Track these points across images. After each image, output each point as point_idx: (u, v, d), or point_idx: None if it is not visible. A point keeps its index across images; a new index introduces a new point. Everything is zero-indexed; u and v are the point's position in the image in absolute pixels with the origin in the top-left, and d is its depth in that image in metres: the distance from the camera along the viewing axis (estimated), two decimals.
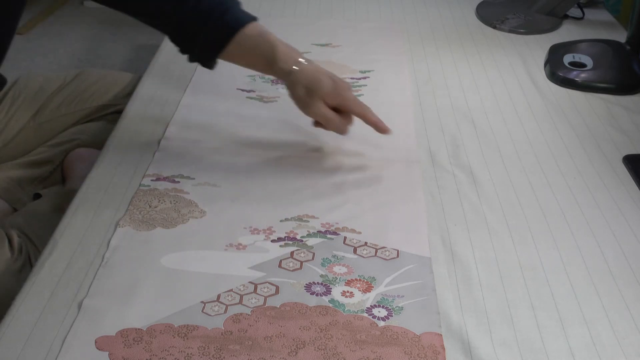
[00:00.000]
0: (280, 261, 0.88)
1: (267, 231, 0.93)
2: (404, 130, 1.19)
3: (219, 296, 0.82)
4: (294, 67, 1.07)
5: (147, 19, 1.13)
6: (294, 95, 1.08)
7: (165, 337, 0.76)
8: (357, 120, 1.21)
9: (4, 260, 1.08)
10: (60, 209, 1.11)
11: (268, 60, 1.09)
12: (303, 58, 1.09)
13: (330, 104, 1.07)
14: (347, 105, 1.08)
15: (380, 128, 1.08)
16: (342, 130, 1.09)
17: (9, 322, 0.77)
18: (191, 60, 1.13)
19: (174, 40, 1.12)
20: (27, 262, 1.10)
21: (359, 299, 0.82)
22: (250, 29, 1.09)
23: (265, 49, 1.09)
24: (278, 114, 1.22)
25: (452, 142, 1.16)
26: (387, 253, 0.90)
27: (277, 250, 0.90)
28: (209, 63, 1.13)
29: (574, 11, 1.70)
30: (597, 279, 0.87)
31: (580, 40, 1.48)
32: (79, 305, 0.80)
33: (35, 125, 1.40)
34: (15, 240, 1.11)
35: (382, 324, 0.79)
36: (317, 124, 1.10)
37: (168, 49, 1.46)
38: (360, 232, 0.94)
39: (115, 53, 2.84)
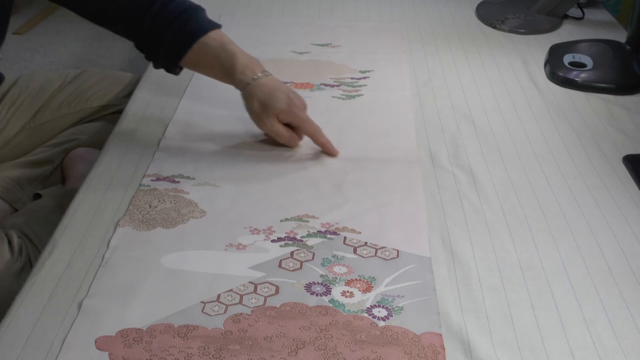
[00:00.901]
0: (280, 261, 0.88)
1: (267, 231, 0.93)
2: (404, 130, 1.19)
3: (219, 296, 0.82)
4: (251, 79, 1.10)
5: (113, 26, 1.16)
6: (249, 108, 1.11)
7: (165, 337, 0.76)
8: (357, 121, 1.21)
9: (4, 261, 1.08)
10: (60, 209, 1.11)
11: (227, 70, 1.11)
12: (262, 71, 1.11)
13: (283, 121, 1.10)
14: (298, 125, 1.11)
15: (329, 150, 1.11)
16: (292, 145, 1.12)
17: (9, 322, 0.77)
18: (156, 66, 1.16)
19: (138, 46, 1.15)
20: (27, 262, 1.10)
21: (359, 299, 0.82)
22: (211, 37, 1.11)
23: (224, 59, 1.11)
24: None
25: (452, 142, 1.16)
26: (387, 253, 0.90)
27: (277, 250, 0.90)
28: (173, 70, 1.16)
29: (574, 11, 1.70)
30: (597, 279, 0.87)
31: (580, 40, 1.48)
32: (79, 305, 0.80)
33: (36, 125, 1.40)
34: (15, 241, 1.11)
35: (382, 324, 0.79)
36: (267, 135, 1.13)
37: None
38: (360, 232, 0.94)
39: (115, 53, 2.84)
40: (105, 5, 1.12)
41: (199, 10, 1.14)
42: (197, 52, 1.12)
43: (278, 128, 1.10)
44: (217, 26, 1.14)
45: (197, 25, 1.12)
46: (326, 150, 1.11)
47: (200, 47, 1.11)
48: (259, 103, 1.09)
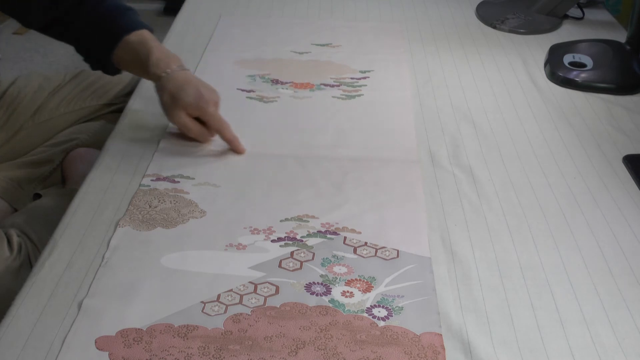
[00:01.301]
0: (280, 261, 0.88)
1: (267, 231, 0.93)
2: (404, 130, 1.19)
3: (219, 296, 0.82)
4: (164, 72, 1.12)
5: (51, 31, 1.22)
6: (161, 100, 1.13)
7: (165, 337, 0.76)
8: (357, 120, 1.21)
9: (2, 259, 1.08)
10: (60, 209, 1.11)
11: (143, 64, 1.14)
12: (179, 66, 1.13)
13: (191, 115, 1.11)
14: (206, 119, 1.11)
15: (235, 146, 1.11)
16: (202, 140, 1.13)
17: (9, 322, 0.77)
18: (93, 67, 1.22)
19: (78, 50, 1.21)
20: (26, 261, 1.10)
21: (359, 299, 0.82)
22: (136, 34, 1.15)
23: (142, 53, 1.14)
24: (278, 114, 1.22)
25: (452, 142, 1.16)
26: (387, 253, 0.90)
27: (277, 250, 0.90)
28: (109, 69, 1.20)
29: (574, 11, 1.70)
30: (597, 279, 0.87)
31: (580, 40, 1.48)
32: (79, 305, 0.80)
33: (35, 124, 1.40)
34: (15, 239, 1.11)
35: (382, 324, 0.79)
36: (179, 129, 1.14)
37: (168, 49, 1.46)
38: (360, 232, 0.94)
39: None
40: (41, 12, 1.18)
41: (129, 11, 1.20)
42: (122, 50, 1.15)
43: (186, 121, 1.11)
44: (145, 26, 1.18)
45: (124, 24, 1.16)
46: (233, 147, 1.11)
47: (124, 44, 1.15)
48: (169, 95, 1.11)
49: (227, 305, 0.80)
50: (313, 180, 1.04)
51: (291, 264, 0.88)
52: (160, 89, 1.12)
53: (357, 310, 0.81)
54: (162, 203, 0.98)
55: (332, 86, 1.32)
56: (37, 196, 1.29)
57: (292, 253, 0.90)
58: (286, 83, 1.32)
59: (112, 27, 1.16)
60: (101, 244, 0.90)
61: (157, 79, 1.13)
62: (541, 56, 1.48)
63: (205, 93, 1.11)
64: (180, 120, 1.11)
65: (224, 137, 1.12)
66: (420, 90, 1.33)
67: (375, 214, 0.98)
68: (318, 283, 0.85)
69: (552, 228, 0.96)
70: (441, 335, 0.78)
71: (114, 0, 1.21)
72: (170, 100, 1.11)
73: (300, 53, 1.45)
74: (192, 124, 1.11)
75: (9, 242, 1.11)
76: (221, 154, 1.10)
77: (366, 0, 1.76)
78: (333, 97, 1.28)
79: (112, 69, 1.20)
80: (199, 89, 1.11)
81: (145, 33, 1.16)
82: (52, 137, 1.41)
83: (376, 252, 0.90)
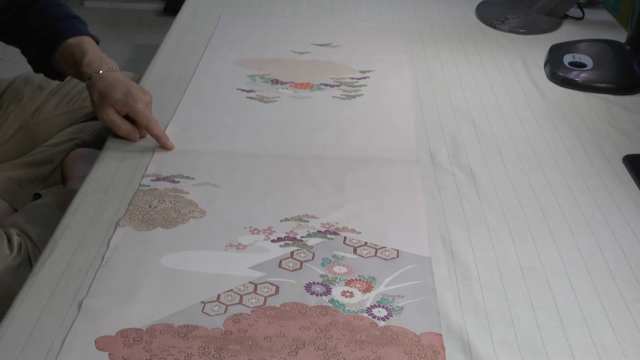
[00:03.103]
0: (280, 261, 0.88)
1: (267, 231, 0.93)
2: (404, 130, 1.19)
3: (219, 296, 0.82)
4: (95, 72, 1.15)
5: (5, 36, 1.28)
6: (91, 100, 1.15)
7: (165, 337, 0.76)
8: (357, 121, 1.21)
9: (2, 257, 1.08)
10: (60, 209, 1.11)
11: (77, 65, 1.18)
12: (110, 67, 1.17)
13: (120, 112, 1.12)
14: (134, 116, 1.13)
15: (162, 142, 1.12)
16: (131, 138, 1.14)
17: (9, 322, 0.77)
18: (35, 70, 1.28)
19: (23, 52, 1.26)
20: (25, 260, 1.10)
21: (359, 299, 0.82)
22: (75, 39, 1.21)
23: (77, 55, 1.18)
24: (278, 114, 1.22)
25: (452, 142, 1.16)
26: (387, 253, 0.90)
27: (277, 250, 0.90)
28: (52, 73, 1.26)
29: (574, 11, 1.70)
30: (597, 279, 0.87)
31: (580, 40, 1.48)
32: (79, 305, 0.80)
33: (34, 123, 1.40)
34: (15, 238, 1.11)
35: (382, 324, 0.79)
36: (109, 128, 1.16)
37: (168, 49, 1.46)
38: (360, 232, 0.94)
39: (115, 53, 2.84)
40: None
41: (76, 19, 1.25)
42: (60, 52, 1.20)
43: (114, 118, 1.12)
44: (87, 34, 1.23)
45: (67, 29, 1.22)
46: (161, 143, 1.12)
47: (63, 47, 1.20)
48: (98, 94, 1.13)
49: (227, 305, 0.80)
50: (313, 180, 1.04)
51: (291, 264, 0.88)
52: (91, 87, 1.15)
53: (357, 310, 0.80)
54: (162, 203, 0.98)
55: (332, 86, 1.32)
56: (37, 196, 1.29)
57: (292, 253, 0.90)
58: (286, 83, 1.32)
59: (56, 31, 1.21)
60: (101, 244, 0.90)
61: (87, 78, 1.16)
62: (541, 56, 1.48)
63: (135, 92, 1.13)
64: (108, 118, 1.12)
65: (152, 133, 1.12)
66: (420, 90, 1.33)
67: (375, 214, 0.98)
68: (318, 283, 0.85)
69: (552, 228, 0.96)
70: (441, 335, 0.78)
71: (65, 8, 1.27)
72: (99, 98, 1.13)
73: (300, 53, 1.45)
74: (120, 121, 1.12)
75: (9, 241, 1.11)
76: (221, 154, 1.10)
77: (366, 0, 1.76)
78: (333, 97, 1.28)
79: (54, 73, 1.25)
80: (129, 88, 1.13)
81: (85, 38, 1.21)
82: (52, 137, 1.40)
83: (376, 252, 0.90)
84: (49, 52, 1.21)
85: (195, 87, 1.31)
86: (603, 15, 1.73)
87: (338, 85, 1.33)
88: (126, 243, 0.90)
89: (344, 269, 0.87)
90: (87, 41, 1.20)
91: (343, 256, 0.89)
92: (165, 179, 1.03)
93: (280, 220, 0.95)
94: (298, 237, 0.92)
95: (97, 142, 1.32)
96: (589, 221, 0.98)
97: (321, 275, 0.86)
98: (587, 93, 1.34)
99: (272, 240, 0.92)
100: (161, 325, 0.77)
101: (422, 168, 1.09)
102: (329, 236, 0.93)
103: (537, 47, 1.52)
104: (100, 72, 1.15)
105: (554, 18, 1.66)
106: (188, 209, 0.97)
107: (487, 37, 1.58)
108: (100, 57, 1.18)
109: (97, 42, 1.22)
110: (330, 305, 0.81)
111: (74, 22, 1.24)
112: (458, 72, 1.41)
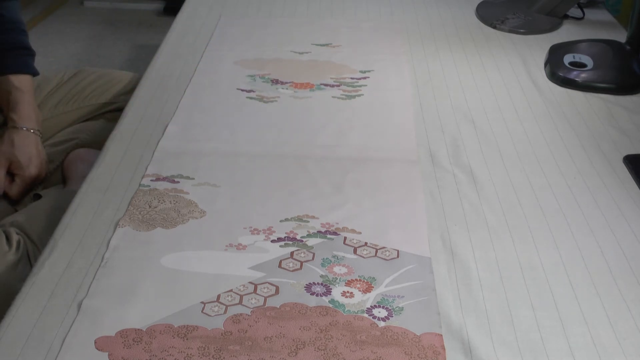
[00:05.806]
0: (280, 261, 0.88)
1: (267, 231, 0.93)
2: (404, 130, 1.19)
3: (218, 296, 0.82)
4: (18, 125, 1.29)
5: None
6: None
7: (165, 337, 0.76)
8: (357, 121, 1.21)
9: (0, 253, 1.08)
10: (60, 209, 1.11)
11: (8, 105, 1.30)
12: (34, 130, 1.29)
13: (8, 168, 1.27)
14: (17, 177, 1.28)
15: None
16: None
17: (9, 322, 0.77)
18: None
19: None
20: (24, 257, 1.10)
21: (359, 299, 0.82)
22: (16, 79, 1.31)
23: (12, 98, 1.30)
24: (278, 114, 1.22)
25: (452, 142, 1.16)
26: (387, 253, 0.90)
27: (277, 251, 0.90)
28: None
29: (574, 11, 1.70)
30: (597, 279, 0.87)
31: (580, 40, 1.48)
32: (79, 305, 0.80)
33: None
34: (14, 236, 1.11)
35: (382, 324, 0.79)
36: None
37: (168, 49, 1.46)
38: (360, 232, 0.94)
39: (115, 53, 2.84)
40: None
41: (26, 51, 1.34)
42: (1, 82, 1.30)
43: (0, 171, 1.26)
44: (31, 71, 1.34)
45: (12, 64, 1.32)
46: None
47: (4, 80, 1.30)
48: (8, 143, 1.27)
49: (227, 306, 0.80)
50: (313, 180, 1.04)
51: (291, 264, 0.88)
52: (7, 133, 1.27)
53: (357, 311, 0.80)
54: (162, 203, 0.98)
55: (332, 86, 1.32)
56: (37, 196, 1.29)
57: (292, 253, 0.90)
58: (286, 83, 1.32)
59: (1, 62, 1.31)
60: (101, 244, 0.90)
61: (11, 124, 1.28)
62: (541, 56, 1.48)
63: (35, 161, 1.26)
64: None
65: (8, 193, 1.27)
66: (420, 90, 1.33)
67: (375, 214, 0.98)
68: (318, 283, 0.85)
69: (552, 228, 0.96)
70: (441, 335, 0.78)
71: (19, 35, 1.34)
72: (4, 147, 1.25)
73: (300, 53, 1.45)
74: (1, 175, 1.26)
75: (8, 238, 1.11)
76: (221, 154, 1.10)
77: (366, 0, 1.76)
78: (333, 97, 1.28)
79: None
80: (34, 157, 1.27)
81: (26, 81, 1.32)
82: (51, 137, 1.41)
83: (376, 252, 0.90)
84: None
85: (195, 87, 1.31)
86: (603, 15, 1.73)
87: (338, 85, 1.33)
88: (126, 243, 0.90)
89: (344, 269, 0.87)
90: (27, 85, 1.31)
91: (343, 256, 0.89)
92: (165, 179, 1.03)
93: (280, 221, 0.95)
94: (298, 237, 0.92)
95: (97, 142, 1.32)
96: (589, 221, 0.98)
97: (321, 276, 0.86)
98: (587, 93, 1.34)
99: (272, 241, 0.92)
100: (161, 326, 0.77)
101: (422, 168, 1.09)
102: (329, 236, 0.93)
103: (537, 47, 1.52)
104: (24, 128, 1.27)
105: (554, 18, 1.66)
106: (188, 209, 0.97)
107: (487, 37, 1.58)
108: (29, 114, 1.29)
109: (35, 75, 1.34)
110: (330, 305, 0.81)
111: (21, 57, 1.33)
112: (458, 72, 1.41)
